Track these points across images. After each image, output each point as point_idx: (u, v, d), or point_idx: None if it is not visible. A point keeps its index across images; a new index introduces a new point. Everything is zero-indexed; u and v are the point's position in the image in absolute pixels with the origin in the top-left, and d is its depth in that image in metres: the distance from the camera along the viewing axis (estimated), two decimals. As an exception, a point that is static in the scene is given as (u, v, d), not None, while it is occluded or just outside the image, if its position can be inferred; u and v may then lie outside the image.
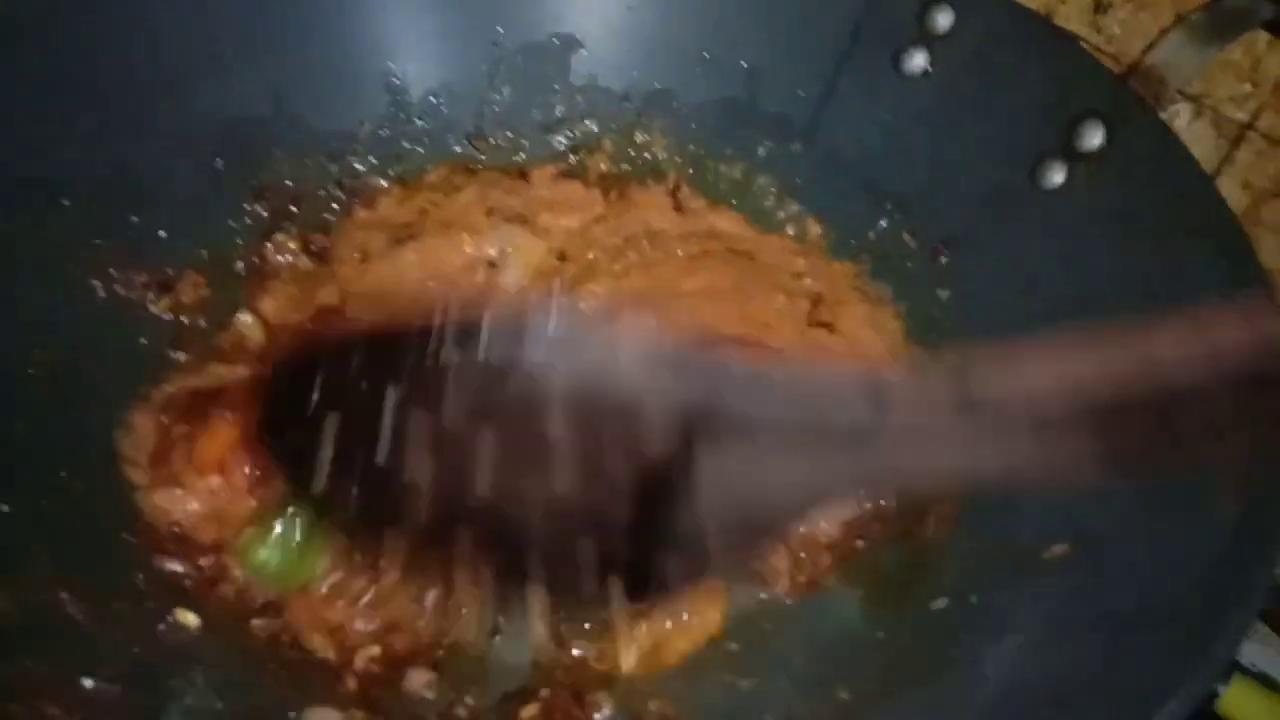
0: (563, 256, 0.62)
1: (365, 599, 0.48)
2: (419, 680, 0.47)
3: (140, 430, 0.51)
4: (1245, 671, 0.63)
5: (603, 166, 0.68)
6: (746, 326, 0.59)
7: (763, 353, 0.53)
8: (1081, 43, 0.67)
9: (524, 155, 0.68)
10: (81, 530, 0.45)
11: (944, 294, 0.62)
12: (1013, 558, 0.50)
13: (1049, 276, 0.57)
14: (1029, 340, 0.31)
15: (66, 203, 0.52)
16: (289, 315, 0.58)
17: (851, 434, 0.33)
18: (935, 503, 0.54)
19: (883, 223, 0.64)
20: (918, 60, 0.63)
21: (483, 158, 0.67)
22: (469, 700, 0.47)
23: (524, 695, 0.47)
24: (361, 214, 0.63)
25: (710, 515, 0.34)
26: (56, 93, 0.52)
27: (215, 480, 0.49)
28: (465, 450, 0.36)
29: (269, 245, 0.60)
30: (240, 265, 0.59)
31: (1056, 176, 0.58)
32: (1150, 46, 0.64)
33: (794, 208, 0.67)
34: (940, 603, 0.50)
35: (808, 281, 0.63)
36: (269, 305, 0.58)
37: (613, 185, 0.66)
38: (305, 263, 0.60)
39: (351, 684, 0.46)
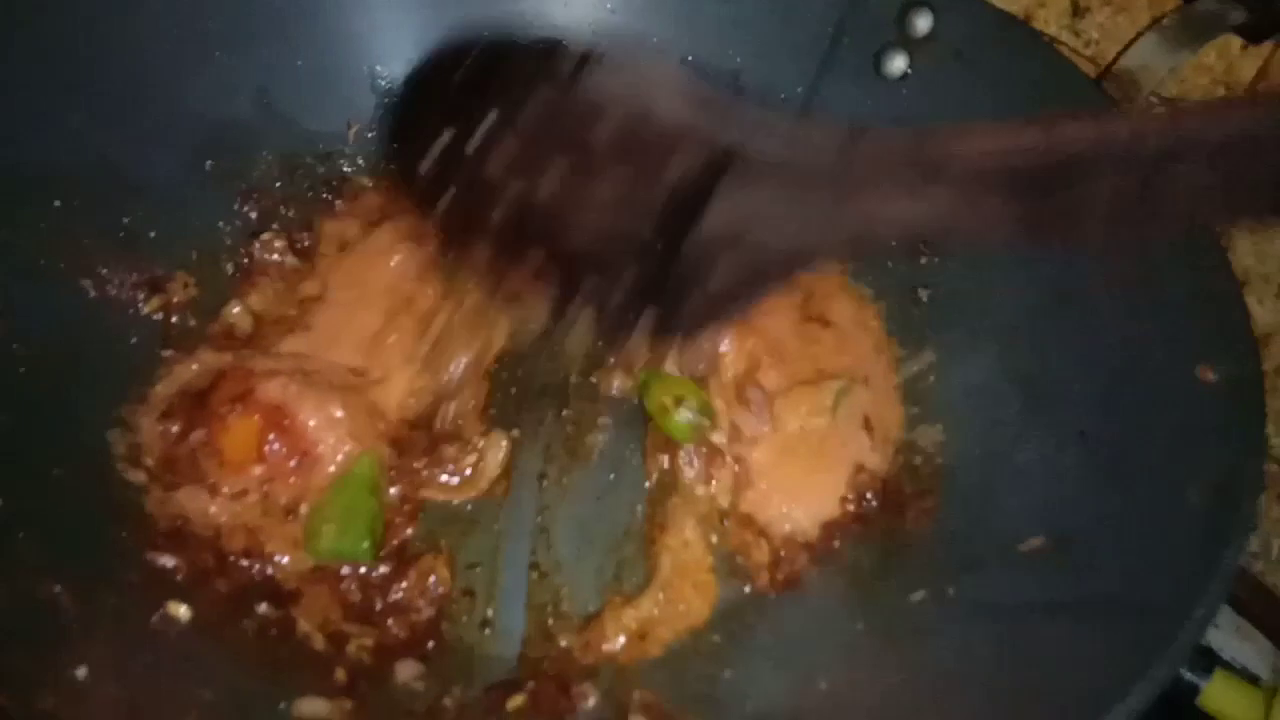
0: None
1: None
2: (408, 672, 0.48)
3: (145, 436, 0.51)
4: (1227, 666, 0.64)
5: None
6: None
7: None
8: (1059, 46, 0.68)
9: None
10: (74, 525, 0.46)
11: (924, 294, 0.63)
12: (989, 551, 0.51)
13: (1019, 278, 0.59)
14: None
15: (57, 203, 0.52)
16: (275, 309, 0.58)
17: (832, 182, 0.39)
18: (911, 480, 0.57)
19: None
20: (898, 62, 0.64)
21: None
22: (456, 691, 0.47)
23: (511, 686, 0.48)
24: (340, 206, 0.64)
25: (721, 248, 0.40)
26: (46, 94, 0.52)
27: (258, 470, 0.50)
28: (539, 168, 0.42)
29: (257, 245, 0.60)
30: (229, 265, 0.59)
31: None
32: (1125, 49, 0.65)
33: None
34: (918, 595, 0.51)
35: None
36: (256, 301, 0.59)
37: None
38: (292, 260, 0.61)
39: (341, 675, 0.46)
